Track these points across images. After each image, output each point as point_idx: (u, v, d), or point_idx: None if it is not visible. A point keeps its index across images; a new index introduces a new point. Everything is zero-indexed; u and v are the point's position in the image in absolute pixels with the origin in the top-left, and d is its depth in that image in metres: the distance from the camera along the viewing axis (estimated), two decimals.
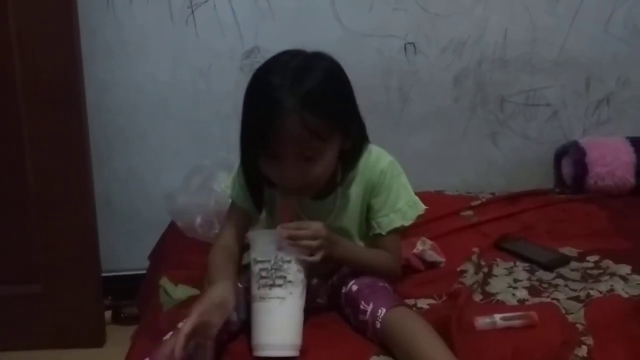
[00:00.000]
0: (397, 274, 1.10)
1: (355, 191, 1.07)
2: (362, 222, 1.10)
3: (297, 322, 0.94)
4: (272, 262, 0.93)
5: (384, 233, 1.06)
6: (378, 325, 0.94)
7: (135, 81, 1.58)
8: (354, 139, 1.01)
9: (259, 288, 0.93)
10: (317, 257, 0.95)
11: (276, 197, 1.09)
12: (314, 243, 0.94)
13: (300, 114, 0.90)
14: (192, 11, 1.55)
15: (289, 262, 0.93)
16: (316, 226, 0.96)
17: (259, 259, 0.94)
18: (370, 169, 1.05)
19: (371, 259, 1.06)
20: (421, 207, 1.09)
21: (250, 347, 0.94)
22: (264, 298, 0.93)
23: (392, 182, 1.06)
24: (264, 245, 0.94)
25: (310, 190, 1.01)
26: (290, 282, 0.93)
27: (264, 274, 0.93)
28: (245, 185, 1.06)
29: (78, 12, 1.41)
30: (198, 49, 1.57)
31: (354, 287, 1.02)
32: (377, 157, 1.06)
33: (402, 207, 1.06)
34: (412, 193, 1.09)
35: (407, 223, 1.07)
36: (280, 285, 0.92)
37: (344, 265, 1.08)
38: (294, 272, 0.93)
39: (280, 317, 0.92)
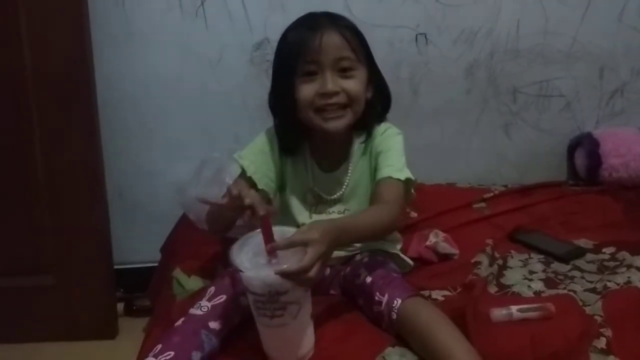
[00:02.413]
0: (393, 224, 1.03)
1: (365, 164, 1.10)
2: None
3: (307, 334, 0.91)
4: (267, 296, 0.84)
5: (378, 177, 1.05)
6: (394, 316, 0.94)
7: (145, 74, 1.57)
8: (374, 91, 1.07)
9: (258, 315, 0.88)
10: (316, 278, 0.85)
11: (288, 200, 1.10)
12: (312, 273, 0.83)
13: (337, 29, 1.01)
14: (202, 2, 1.54)
15: (285, 293, 0.84)
16: (312, 249, 0.83)
17: (251, 290, 0.86)
18: (378, 136, 1.10)
19: (369, 223, 0.98)
20: (410, 176, 1.06)
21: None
22: (266, 325, 0.88)
23: (393, 142, 1.09)
24: (253, 279, 0.84)
25: (347, 118, 1.03)
26: (290, 307, 0.86)
27: (260, 305, 0.86)
28: (281, 129, 1.08)
29: (88, 5, 1.40)
30: (207, 41, 1.56)
31: (368, 279, 1.02)
32: (385, 128, 1.11)
33: (396, 164, 1.06)
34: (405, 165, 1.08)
35: (395, 176, 1.04)
36: (280, 316, 0.86)
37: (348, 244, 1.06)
38: (293, 297, 0.85)
39: (287, 340, 0.90)
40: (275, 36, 1.54)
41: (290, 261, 0.83)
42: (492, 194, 1.56)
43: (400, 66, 1.63)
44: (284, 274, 0.82)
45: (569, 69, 1.68)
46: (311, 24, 1.02)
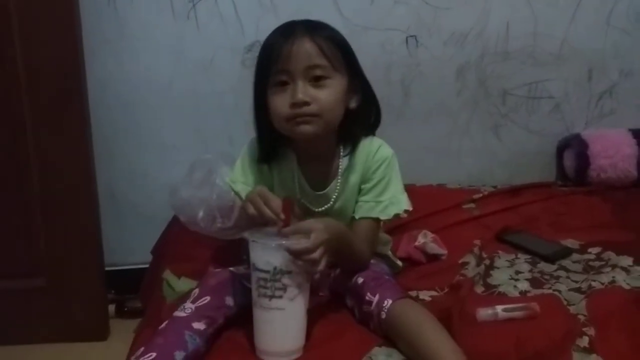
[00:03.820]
0: (366, 262, 1.07)
1: (354, 181, 1.08)
2: None
3: (300, 327, 0.93)
4: (271, 273, 0.89)
5: (356, 217, 1.06)
6: (383, 316, 0.94)
7: (137, 76, 1.58)
8: (359, 101, 1.05)
9: (258, 296, 0.92)
10: (321, 266, 0.91)
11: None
12: (317, 255, 0.89)
13: (311, 36, 0.99)
14: (194, 5, 1.55)
15: (289, 273, 0.90)
16: (316, 234, 0.90)
17: (257, 267, 0.91)
18: (370, 157, 1.07)
19: (357, 249, 1.03)
20: (402, 207, 1.06)
21: (248, 337, 0.95)
22: (264, 307, 0.91)
23: (386, 172, 1.06)
24: (262, 251, 0.91)
25: (317, 125, 1.00)
26: (290, 291, 0.90)
27: (262, 283, 0.91)
28: (259, 138, 1.07)
29: (80, 7, 1.41)
30: (199, 43, 1.57)
31: (359, 280, 1.02)
32: (378, 146, 1.08)
33: (385, 200, 1.06)
34: (400, 190, 1.07)
35: (383, 217, 1.06)
36: (279, 297, 0.90)
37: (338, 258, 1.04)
38: (294, 281, 0.90)
39: (282, 327, 0.92)
40: None
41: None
42: (481, 195, 1.58)
43: (391, 68, 1.64)
44: (291, 250, 0.88)
45: (558, 70, 1.70)
46: (286, 32, 1.00)
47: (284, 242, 0.89)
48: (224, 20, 1.57)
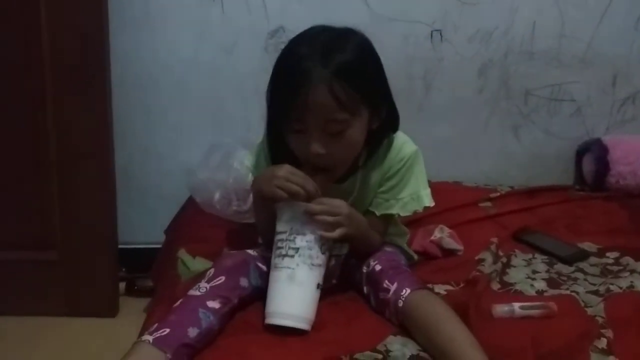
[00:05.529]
0: (377, 247, 1.08)
1: (375, 176, 1.06)
2: None
3: (308, 295, 0.93)
4: (288, 233, 0.94)
5: (377, 214, 1.06)
6: (400, 304, 0.94)
7: (159, 56, 1.57)
8: (382, 121, 1.01)
9: (274, 258, 0.95)
10: (334, 234, 0.94)
11: None
12: (330, 219, 0.93)
13: (328, 83, 0.90)
14: None
15: (303, 234, 0.93)
16: (337, 203, 0.95)
17: (278, 229, 0.96)
18: (393, 154, 1.05)
19: (372, 240, 1.05)
20: (422, 204, 1.05)
21: (262, 318, 0.94)
22: (276, 267, 0.94)
23: (408, 170, 1.05)
24: (286, 217, 0.95)
25: (334, 173, 1.00)
26: (301, 253, 0.93)
27: (279, 244, 0.95)
28: (270, 161, 1.05)
29: None
30: (223, 26, 1.57)
31: (377, 267, 1.02)
32: (401, 144, 1.05)
33: (405, 197, 1.05)
34: (422, 186, 1.06)
35: (403, 214, 1.06)
36: (291, 256, 0.92)
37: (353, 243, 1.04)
38: (308, 245, 0.93)
39: (287, 287, 0.92)
40: (291, 25, 1.56)
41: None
42: (498, 194, 1.57)
43: (413, 62, 1.63)
44: (309, 209, 0.92)
45: (582, 73, 1.68)
46: (301, 69, 0.90)
47: (305, 204, 0.93)
48: (249, 5, 1.56)
